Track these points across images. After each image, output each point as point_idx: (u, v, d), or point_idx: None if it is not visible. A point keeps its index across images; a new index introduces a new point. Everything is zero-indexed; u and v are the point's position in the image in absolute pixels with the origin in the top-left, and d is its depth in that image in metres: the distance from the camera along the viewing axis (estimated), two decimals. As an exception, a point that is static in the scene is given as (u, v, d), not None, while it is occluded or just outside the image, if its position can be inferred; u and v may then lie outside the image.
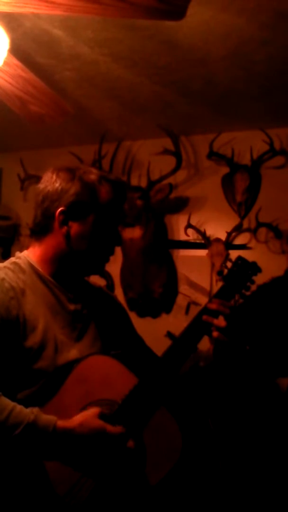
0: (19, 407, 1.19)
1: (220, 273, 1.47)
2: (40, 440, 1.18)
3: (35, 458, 1.24)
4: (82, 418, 1.23)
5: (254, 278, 1.46)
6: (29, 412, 1.19)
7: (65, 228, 1.36)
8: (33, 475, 1.24)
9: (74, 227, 1.36)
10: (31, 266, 1.37)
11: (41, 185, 1.41)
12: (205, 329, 1.36)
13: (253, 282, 1.45)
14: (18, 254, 1.43)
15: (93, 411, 1.25)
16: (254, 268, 1.45)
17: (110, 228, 1.41)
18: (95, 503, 1.24)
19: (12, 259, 1.41)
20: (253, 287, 1.46)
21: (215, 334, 1.35)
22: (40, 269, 1.37)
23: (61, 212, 1.35)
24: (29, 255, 1.40)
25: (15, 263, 1.38)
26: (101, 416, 1.24)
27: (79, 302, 1.42)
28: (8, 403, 1.19)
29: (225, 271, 1.46)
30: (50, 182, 1.38)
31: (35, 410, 1.20)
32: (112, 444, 1.23)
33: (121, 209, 1.46)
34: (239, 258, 1.46)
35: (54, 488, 1.23)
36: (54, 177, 1.38)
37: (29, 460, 1.24)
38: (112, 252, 1.44)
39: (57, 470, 1.24)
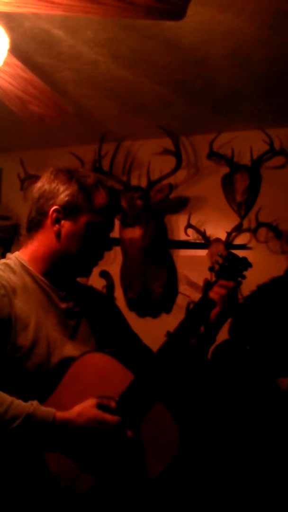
0: (18, 401, 1.21)
1: (211, 268, 1.48)
2: (40, 431, 1.20)
3: (35, 451, 1.25)
4: (80, 408, 1.26)
5: (253, 277, 1.47)
6: (28, 404, 1.22)
7: (57, 227, 1.39)
8: (35, 470, 1.26)
9: (66, 227, 1.39)
10: (22, 265, 1.40)
11: (39, 183, 1.44)
12: (200, 322, 1.38)
13: (244, 277, 1.47)
14: (8, 255, 1.45)
15: (91, 401, 1.27)
16: (245, 263, 1.47)
17: (101, 233, 1.44)
18: (96, 496, 1.26)
19: (2, 260, 1.43)
20: (253, 287, 1.47)
21: (217, 309, 1.39)
22: (31, 268, 1.40)
23: (55, 210, 1.39)
24: (20, 255, 1.43)
25: (5, 264, 1.40)
26: (99, 406, 1.27)
27: (70, 300, 1.44)
28: (7, 397, 1.21)
29: (216, 266, 1.47)
30: (48, 181, 1.42)
31: (34, 402, 1.23)
32: (110, 433, 1.25)
33: (114, 216, 1.48)
34: (230, 253, 1.48)
35: (57, 481, 1.25)
36: (52, 177, 1.42)
37: (31, 455, 1.26)
38: (101, 257, 1.47)
39: (58, 465, 1.25)
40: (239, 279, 1.46)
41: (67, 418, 1.23)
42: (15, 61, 1.83)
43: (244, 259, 1.47)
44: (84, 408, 1.26)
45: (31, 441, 1.22)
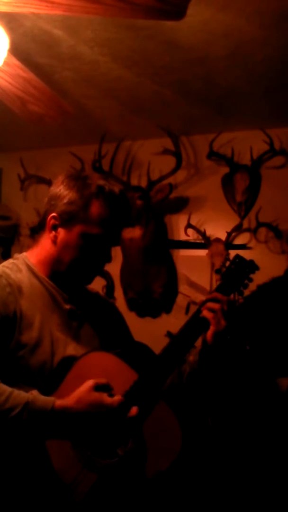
0: (18, 391, 1.23)
1: (218, 271, 1.48)
2: (39, 419, 1.21)
3: (38, 444, 1.26)
4: (78, 394, 1.26)
5: (253, 277, 1.47)
6: (28, 394, 1.23)
7: (53, 233, 1.40)
8: (38, 465, 1.27)
9: (61, 234, 1.39)
10: (28, 266, 1.41)
11: (52, 186, 1.46)
12: (203, 325, 1.38)
13: (250, 280, 1.47)
14: (16, 255, 1.47)
15: (88, 384, 1.27)
16: (252, 266, 1.47)
17: (99, 245, 1.39)
18: (98, 493, 1.26)
19: (10, 260, 1.45)
20: (253, 287, 1.47)
21: (212, 329, 1.36)
22: (36, 270, 1.41)
23: (52, 217, 1.40)
24: (27, 256, 1.45)
25: (12, 263, 1.42)
26: (97, 387, 1.27)
27: (74, 302, 1.45)
28: (7, 387, 1.23)
29: (223, 269, 1.47)
30: (56, 185, 1.43)
31: (34, 391, 1.24)
32: (112, 414, 1.25)
33: (118, 228, 1.43)
34: (237, 256, 1.48)
35: (60, 477, 1.26)
36: (60, 181, 1.43)
37: (34, 449, 1.26)
38: (100, 268, 1.44)
39: (60, 461, 1.26)
40: (246, 281, 1.46)
41: (66, 405, 1.24)
42: (15, 61, 1.83)
43: (251, 262, 1.46)
44: (82, 393, 1.26)
45: (32, 430, 1.22)
